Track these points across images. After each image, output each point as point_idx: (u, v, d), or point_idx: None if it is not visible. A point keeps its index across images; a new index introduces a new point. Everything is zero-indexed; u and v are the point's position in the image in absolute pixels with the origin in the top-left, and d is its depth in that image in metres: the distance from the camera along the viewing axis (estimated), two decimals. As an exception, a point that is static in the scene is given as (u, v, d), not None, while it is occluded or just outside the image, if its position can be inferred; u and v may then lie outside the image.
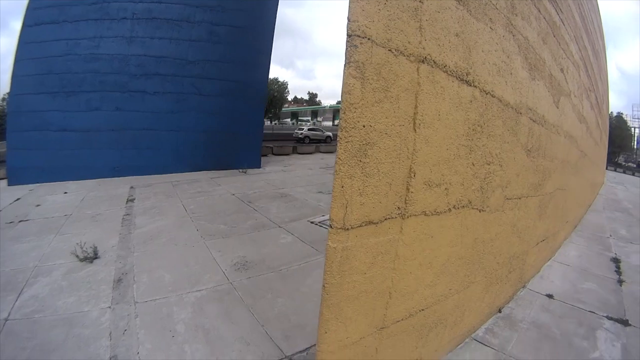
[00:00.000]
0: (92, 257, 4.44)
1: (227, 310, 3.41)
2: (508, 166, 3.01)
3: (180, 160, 11.51)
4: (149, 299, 3.58)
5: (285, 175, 12.14)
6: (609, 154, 20.16)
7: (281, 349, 2.87)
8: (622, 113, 57.91)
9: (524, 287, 4.11)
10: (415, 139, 1.91)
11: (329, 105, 78.42)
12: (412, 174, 1.94)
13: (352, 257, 1.72)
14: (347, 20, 1.48)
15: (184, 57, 11.33)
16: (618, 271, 4.82)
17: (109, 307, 3.39)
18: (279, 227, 6.12)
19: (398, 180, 1.86)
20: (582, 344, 3.06)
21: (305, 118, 78.65)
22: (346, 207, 1.62)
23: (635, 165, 43.78)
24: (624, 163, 46.86)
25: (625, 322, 3.42)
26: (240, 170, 12.23)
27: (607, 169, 20.08)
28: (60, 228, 5.65)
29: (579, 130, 5.87)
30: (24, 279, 3.88)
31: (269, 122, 51.03)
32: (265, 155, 16.12)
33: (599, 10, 9.13)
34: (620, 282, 4.46)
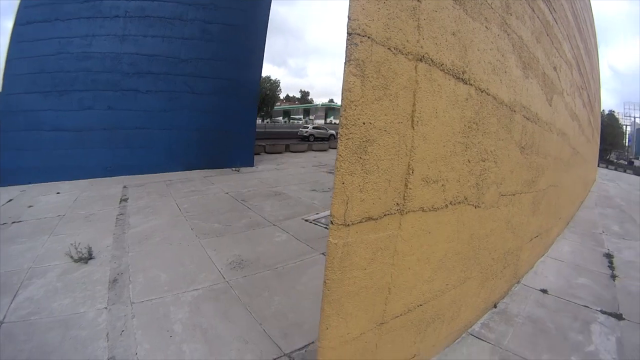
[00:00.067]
0: (86, 257, 4.40)
1: (224, 309, 3.41)
2: (502, 163, 3.05)
3: (173, 159, 11.44)
4: (146, 299, 3.56)
5: (278, 173, 12.14)
6: (600, 151, 20.49)
7: (280, 347, 2.87)
8: (613, 111, 59.07)
9: (518, 282, 4.17)
10: (413, 136, 1.93)
11: (321, 103, 78.32)
12: (411, 171, 1.97)
13: (352, 253, 1.74)
14: (347, 19, 1.49)
15: (176, 56, 11.25)
16: (611, 266, 4.90)
17: (105, 308, 3.36)
18: (274, 225, 6.13)
19: (397, 177, 1.88)
20: (577, 337, 3.11)
21: (297, 116, 78.52)
22: (347, 204, 1.63)
23: (626, 163, 44.56)
24: (615, 160, 47.62)
25: (619, 316, 3.49)
26: (234, 168, 12.20)
27: (599, 166, 20.36)
28: (54, 229, 5.58)
29: (571, 128, 5.97)
30: (19, 281, 3.83)
31: (260, 120, 50.80)
32: (258, 154, 16.08)
33: (591, 9, 9.26)
34: (613, 277, 4.53)
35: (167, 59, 11.10)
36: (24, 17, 9.63)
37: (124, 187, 8.99)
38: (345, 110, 1.54)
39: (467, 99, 2.37)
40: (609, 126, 48.50)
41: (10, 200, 7.43)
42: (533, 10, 3.23)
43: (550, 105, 4.19)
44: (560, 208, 5.95)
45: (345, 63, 1.52)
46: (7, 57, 9.51)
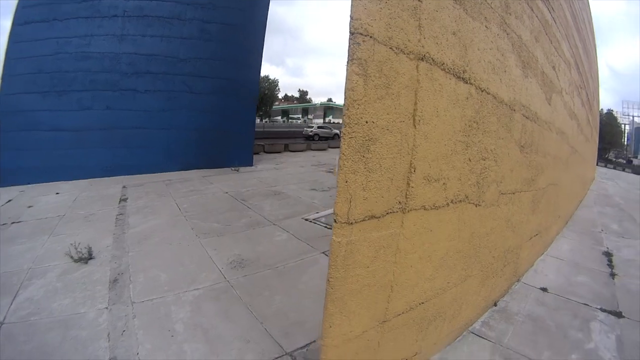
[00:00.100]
0: (86, 257, 4.39)
1: (225, 309, 3.41)
2: (502, 162, 3.07)
3: (172, 159, 11.43)
4: (146, 298, 3.55)
5: (277, 173, 12.14)
6: (599, 150, 20.57)
7: (281, 346, 2.87)
8: (612, 110, 59.37)
9: (518, 280, 4.19)
10: (415, 135, 1.94)
11: (319, 102, 78.34)
12: (413, 169, 1.98)
13: (355, 251, 1.75)
14: (349, 18, 1.50)
15: (175, 55, 11.24)
16: (610, 265, 4.91)
17: (106, 308, 3.36)
18: (274, 224, 6.13)
19: (399, 175, 1.89)
20: (577, 335, 3.13)
21: (295, 116, 78.51)
22: (350, 202, 1.64)
23: (625, 161, 44.67)
24: (614, 159, 47.74)
25: (618, 314, 3.50)
26: (233, 168, 12.19)
27: (597, 164, 20.44)
28: (54, 229, 5.57)
29: (570, 127, 6.00)
30: (19, 281, 3.82)
31: (259, 120, 50.80)
32: (257, 153, 16.08)
33: (589, 9, 9.29)
34: (612, 275, 4.55)
35: (165, 59, 11.08)
36: (22, 17, 9.59)
37: (123, 187, 8.97)
38: (348, 109, 1.55)
39: (467, 98, 2.38)
40: (608, 125, 48.72)
41: (10, 200, 7.40)
42: (532, 10, 3.25)
43: (549, 105, 4.21)
44: (559, 207, 5.97)
45: (347, 62, 1.53)
46: (5, 57, 9.48)
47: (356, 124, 1.58)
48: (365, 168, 1.67)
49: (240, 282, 3.98)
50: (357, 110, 1.57)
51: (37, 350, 2.73)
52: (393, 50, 1.69)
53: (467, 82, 2.35)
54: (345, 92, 1.55)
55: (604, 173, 19.74)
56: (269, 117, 61.07)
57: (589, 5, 8.98)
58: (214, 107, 12.06)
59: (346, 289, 1.77)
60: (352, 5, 1.51)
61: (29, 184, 8.89)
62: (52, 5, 9.68)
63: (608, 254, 5.34)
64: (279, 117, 76.19)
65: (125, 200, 7.62)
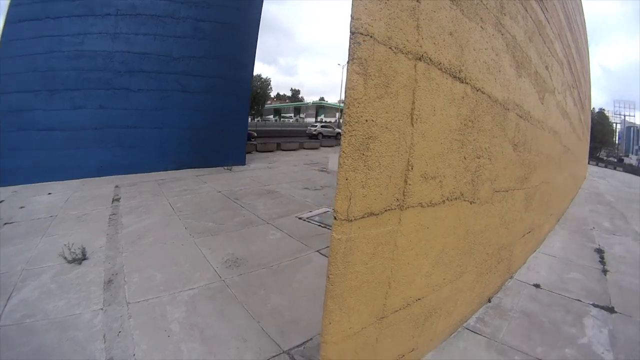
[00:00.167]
0: (80, 258, 4.35)
1: (221, 308, 3.41)
2: (496, 160, 3.12)
3: (165, 158, 11.35)
4: (142, 299, 3.53)
5: (270, 172, 12.13)
6: (591, 149, 20.92)
7: (278, 345, 2.89)
8: (604, 109, 60.58)
9: (511, 277, 4.25)
10: (412, 134, 1.97)
11: (311, 101, 78.41)
12: (410, 167, 2.00)
13: (355, 248, 1.77)
14: (350, 18, 1.52)
15: (168, 54, 11.15)
16: (602, 261, 5.01)
17: (101, 309, 3.33)
18: (267, 223, 6.14)
19: (397, 173, 1.92)
20: (570, 330, 3.19)
21: (287, 115, 78.44)
22: (350, 199, 1.66)
23: (616, 160, 45.37)
24: (605, 158, 48.46)
25: (611, 310, 3.58)
26: (226, 167, 12.16)
27: (589, 163, 20.79)
28: (47, 229, 5.50)
29: (562, 126, 6.10)
30: (12, 283, 3.77)
31: (251, 119, 50.61)
32: (250, 152, 16.03)
33: (582, 9, 9.43)
34: (604, 271, 4.64)
35: (158, 57, 10.98)
36: (15, 15, 9.42)
37: (116, 186, 8.88)
38: (348, 107, 1.57)
39: (463, 98, 2.42)
40: (599, 124, 49.54)
41: (2, 201, 7.27)
42: (526, 10, 3.30)
43: (542, 104, 4.28)
44: (551, 204, 6.07)
45: (348, 62, 1.55)
46: (-1, 55, 9.32)
47: (356, 122, 1.60)
48: (364, 166, 1.69)
49: (236, 281, 3.98)
50: (357, 108, 1.59)
51: (33, 352, 2.70)
52: (392, 50, 1.72)
53: (463, 82, 2.38)
54: (345, 91, 1.57)
55: (595, 172, 20.09)
56: (262, 116, 60.93)
57: (581, 5, 9.12)
58: (207, 105, 12.00)
59: (346, 285, 1.79)
60: (352, 5, 1.52)
61: (21, 184, 8.75)
62: (45, 3, 9.53)
63: (600, 251, 5.44)
64: (271, 116, 76.06)
65: (118, 200, 7.54)
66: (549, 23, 4.16)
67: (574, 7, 7.05)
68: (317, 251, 4.86)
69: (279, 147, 20.21)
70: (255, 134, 25.34)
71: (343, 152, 1.60)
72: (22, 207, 6.77)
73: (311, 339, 2.94)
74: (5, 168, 8.79)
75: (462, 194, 2.65)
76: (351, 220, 1.69)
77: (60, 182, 9.19)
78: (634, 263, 4.98)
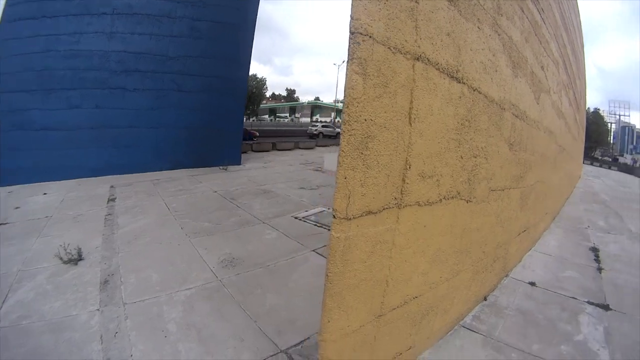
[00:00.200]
0: (76, 258, 4.32)
1: (218, 308, 3.41)
2: (493, 159, 3.14)
3: (161, 158, 11.30)
4: (138, 299, 3.52)
5: (266, 171, 12.13)
6: (586, 148, 21.12)
7: (276, 344, 2.89)
8: (599, 109, 61.20)
9: (507, 276, 4.29)
10: (410, 133, 1.99)
11: (307, 101, 78.47)
12: (408, 166, 2.02)
13: (353, 246, 1.78)
14: (349, 18, 1.53)
15: (164, 53, 11.11)
16: (597, 260, 5.05)
17: (98, 310, 3.31)
18: (263, 223, 6.14)
19: (395, 172, 1.93)
20: (566, 328, 3.22)
21: (283, 114, 78.42)
22: (349, 198, 1.67)
23: (611, 160, 45.69)
24: (600, 157, 48.78)
25: (606, 307, 3.62)
26: (221, 167, 12.13)
27: (584, 163, 20.95)
28: (42, 230, 5.45)
29: (557, 126, 6.15)
30: (8, 284, 3.73)
31: (247, 118, 50.50)
32: (245, 152, 16.00)
33: (578, 9, 9.51)
34: (599, 269, 4.69)
35: (154, 57, 10.94)
36: (11, 14, 9.37)
37: (112, 186, 8.84)
38: (348, 107, 1.58)
39: (460, 97, 2.44)
40: (594, 124, 49.98)
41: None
42: (522, 11, 3.33)
43: (538, 104, 4.32)
44: (547, 203, 6.13)
45: (347, 62, 1.56)
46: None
47: (355, 121, 1.61)
48: (363, 165, 1.70)
49: (232, 280, 3.98)
50: (356, 108, 1.60)
51: (30, 354, 2.68)
52: (391, 50, 1.73)
53: (460, 82, 2.40)
54: (345, 91, 1.58)
55: (590, 171, 20.27)
56: (257, 115, 60.80)
57: (577, 5, 9.20)
58: (203, 105, 11.97)
59: (344, 283, 1.80)
60: (352, 5, 1.53)
61: (16, 184, 8.67)
62: (42, 2, 9.48)
63: (595, 250, 5.49)
64: (267, 116, 75.98)
65: (113, 200, 7.50)
66: (545, 23, 4.20)
67: (570, 7, 7.12)
68: (314, 250, 4.87)
69: (274, 147, 20.23)
70: (257, 134, 25.47)
71: (342, 151, 1.61)
72: (17, 208, 6.71)
73: (308, 338, 2.94)
74: (6, 168, 8.73)
75: (459, 193, 2.67)
76: (350, 219, 1.70)
77: (56, 182, 9.12)
78: (628, 261, 5.04)
